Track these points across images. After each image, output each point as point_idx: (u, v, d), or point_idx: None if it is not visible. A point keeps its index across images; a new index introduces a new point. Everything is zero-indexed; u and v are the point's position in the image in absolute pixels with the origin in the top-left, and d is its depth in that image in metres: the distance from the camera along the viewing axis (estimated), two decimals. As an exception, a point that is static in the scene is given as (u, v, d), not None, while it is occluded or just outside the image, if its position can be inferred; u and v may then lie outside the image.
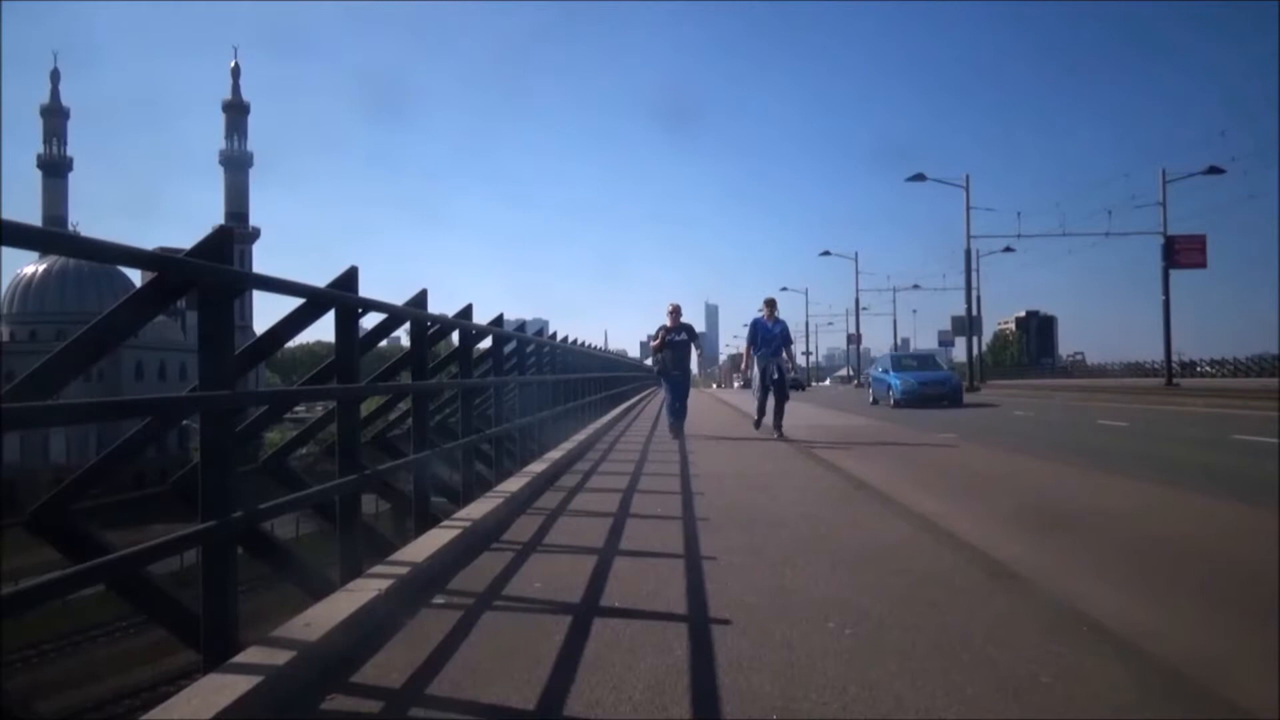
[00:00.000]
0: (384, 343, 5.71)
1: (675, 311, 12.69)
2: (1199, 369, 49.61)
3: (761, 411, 12.72)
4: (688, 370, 13.11)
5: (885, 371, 25.04)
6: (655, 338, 12.93)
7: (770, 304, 12.68)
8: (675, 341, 12.63)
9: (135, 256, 2.80)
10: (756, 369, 12.57)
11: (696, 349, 12.97)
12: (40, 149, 75.62)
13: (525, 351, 9.86)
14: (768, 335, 12.43)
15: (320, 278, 4.23)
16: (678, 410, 12.83)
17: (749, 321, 13.00)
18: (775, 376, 12.30)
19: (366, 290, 4.12)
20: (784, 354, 12.64)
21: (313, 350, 69.42)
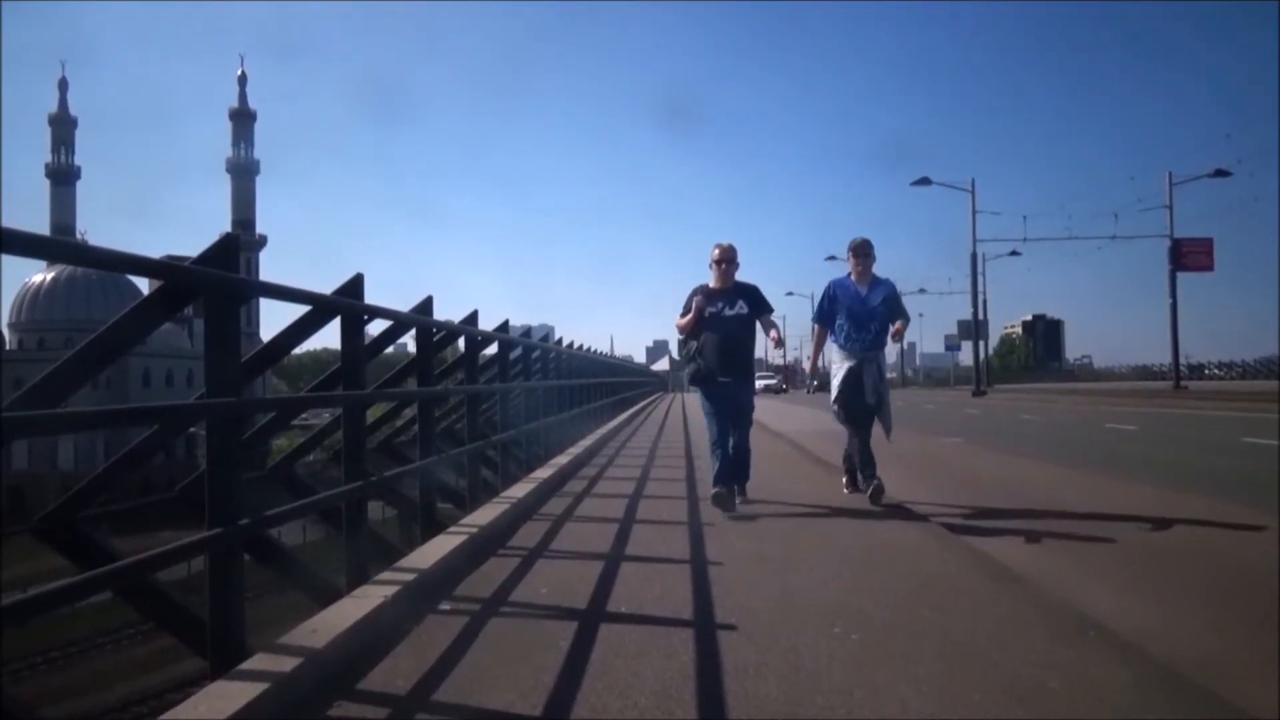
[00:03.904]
0: (390, 349, 5.72)
1: (724, 259, 6.38)
2: (1207, 371, 49.49)
3: (850, 455, 6.86)
4: (749, 373, 6.67)
5: None
6: (685, 312, 6.43)
7: (860, 252, 6.68)
8: (724, 318, 6.29)
9: (141, 264, 2.81)
10: (840, 369, 6.66)
11: (772, 329, 6.74)
12: (48, 157, 76.13)
13: (531, 357, 9.88)
14: (859, 309, 6.58)
15: (327, 281, 4.25)
16: (728, 458, 6.39)
17: (832, 283, 6.82)
18: (877, 390, 6.58)
19: (372, 295, 4.13)
20: (889, 342, 6.70)
21: (319, 357, 69.56)
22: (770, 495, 6.80)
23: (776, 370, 66.11)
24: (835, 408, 6.72)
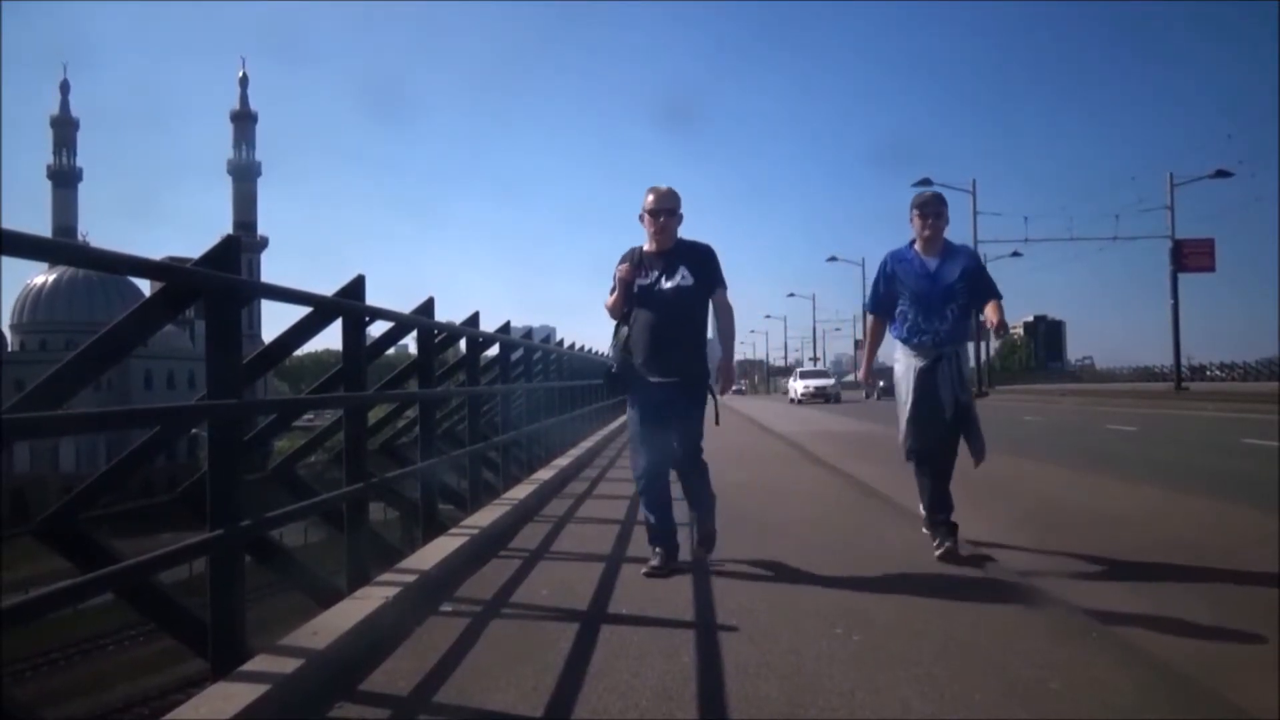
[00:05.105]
0: (391, 350, 5.73)
1: (660, 208, 4.45)
2: (1208, 372, 49.41)
3: (933, 499, 4.69)
4: (698, 372, 4.46)
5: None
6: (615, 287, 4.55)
7: (929, 209, 4.78)
8: (659, 292, 4.43)
9: (142, 266, 2.82)
10: (906, 371, 4.79)
11: (720, 314, 4.61)
12: (50, 159, 76.29)
13: (532, 359, 9.88)
14: (928, 289, 4.72)
15: (328, 282, 4.26)
16: (664, 506, 4.52)
17: (888, 256, 4.91)
18: (957, 398, 4.63)
19: (373, 296, 4.15)
20: (978, 329, 5.12)
21: (321, 359, 69.70)
22: (771, 497, 6.79)
23: (813, 371, 45.12)
24: (906, 438, 4.76)
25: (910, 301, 4.74)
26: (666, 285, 4.41)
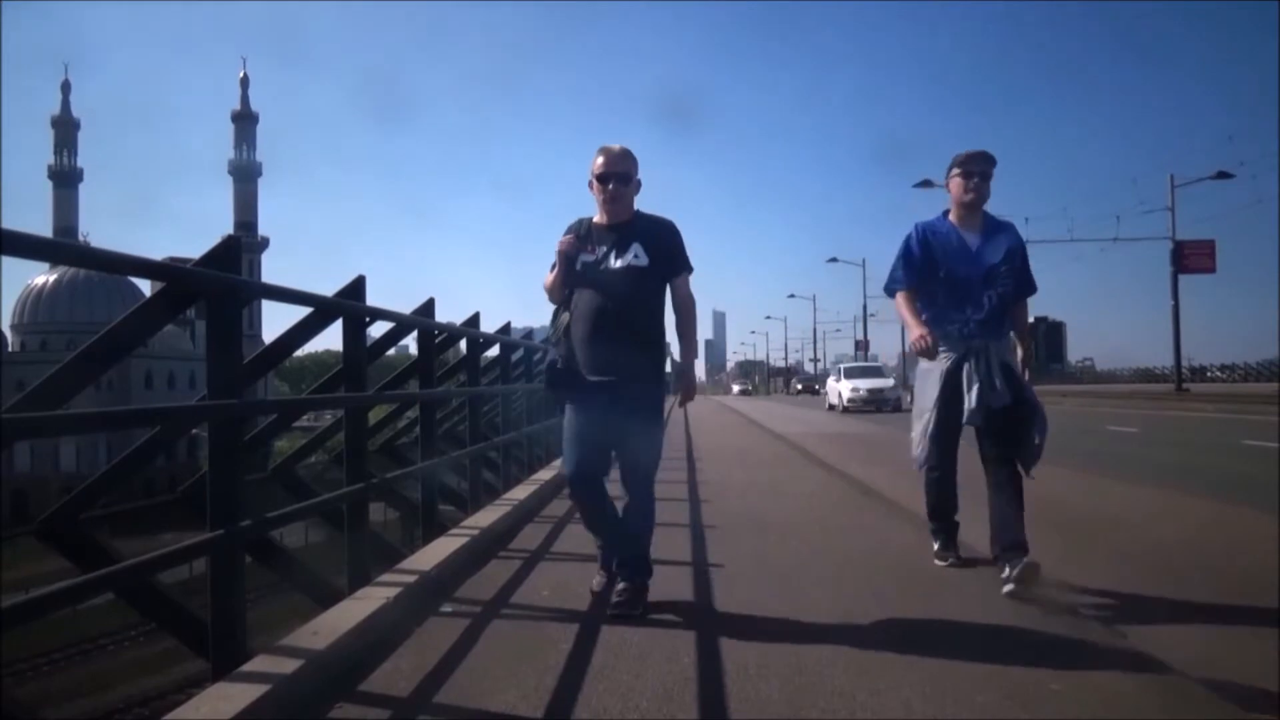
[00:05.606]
0: (392, 351, 5.73)
1: (610, 172, 3.62)
2: (1209, 374, 49.42)
3: (938, 502, 4.31)
4: (651, 369, 3.68)
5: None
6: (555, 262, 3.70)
7: (973, 169, 4.03)
8: (605, 273, 3.62)
9: (143, 266, 2.82)
10: (929, 371, 4.13)
11: (679, 304, 3.75)
12: (51, 159, 76.39)
13: (533, 359, 9.88)
14: (965, 270, 4.02)
15: (329, 282, 4.26)
16: (606, 522, 3.93)
17: (919, 226, 4.14)
18: (989, 399, 3.92)
19: (374, 297, 4.15)
20: (1019, 328, 4.16)
21: (321, 359, 69.74)
22: (772, 498, 6.79)
23: (862, 367, 31.94)
24: (923, 450, 4.16)
25: (942, 283, 4.05)
26: (616, 264, 3.63)
